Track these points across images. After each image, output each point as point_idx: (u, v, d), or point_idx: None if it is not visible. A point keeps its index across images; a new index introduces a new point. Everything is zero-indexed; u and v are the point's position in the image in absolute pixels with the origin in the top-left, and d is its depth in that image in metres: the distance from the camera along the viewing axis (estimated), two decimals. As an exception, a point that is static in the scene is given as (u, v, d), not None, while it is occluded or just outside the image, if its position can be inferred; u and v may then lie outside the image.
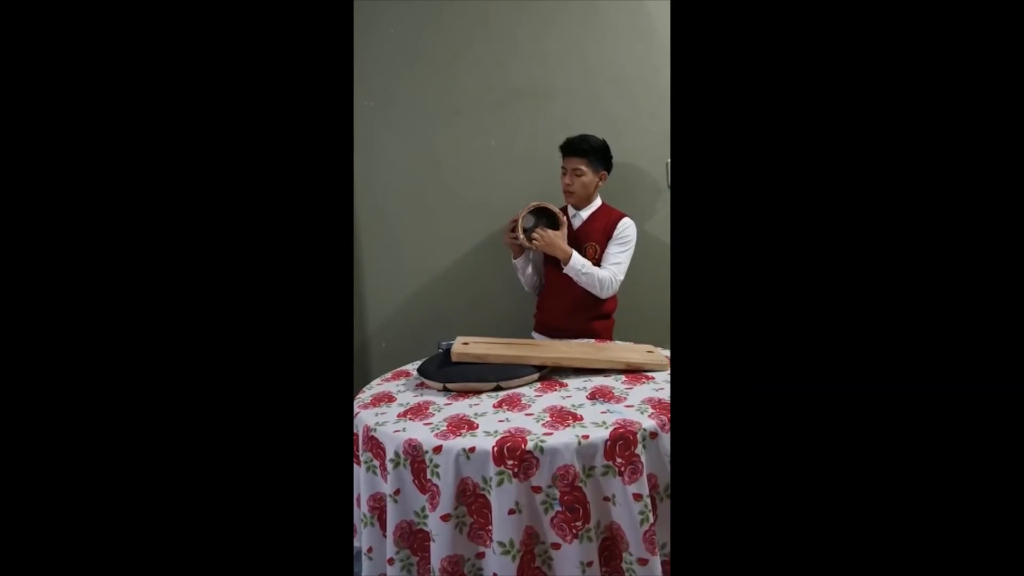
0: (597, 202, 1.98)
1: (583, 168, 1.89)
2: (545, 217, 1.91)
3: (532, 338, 1.99)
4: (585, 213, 1.96)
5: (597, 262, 1.91)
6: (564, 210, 1.98)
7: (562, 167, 1.94)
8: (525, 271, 2.02)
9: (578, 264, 1.84)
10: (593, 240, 1.92)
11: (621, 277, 1.91)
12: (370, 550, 1.22)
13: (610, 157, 1.95)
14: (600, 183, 1.95)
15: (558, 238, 1.85)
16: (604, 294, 1.89)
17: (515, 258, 2.01)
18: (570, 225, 1.95)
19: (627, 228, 1.92)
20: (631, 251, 1.93)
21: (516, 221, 1.89)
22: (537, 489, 1.06)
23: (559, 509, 1.06)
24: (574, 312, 1.91)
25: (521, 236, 1.87)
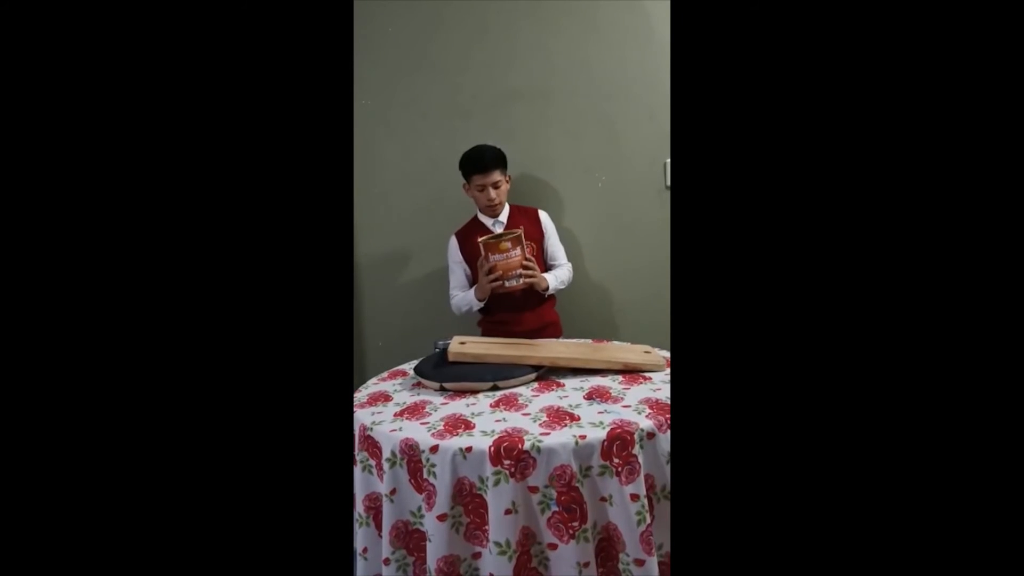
0: (506, 204, 1.99)
1: (499, 178, 1.90)
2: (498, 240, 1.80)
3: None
4: (503, 218, 1.97)
5: (537, 256, 1.94)
6: (477, 223, 1.98)
7: (478, 185, 1.89)
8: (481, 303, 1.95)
9: (555, 282, 1.92)
10: (527, 239, 1.92)
11: (570, 263, 2.02)
12: (365, 550, 1.22)
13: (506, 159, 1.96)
14: (508, 184, 1.97)
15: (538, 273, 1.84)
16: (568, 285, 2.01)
17: (482, 300, 1.90)
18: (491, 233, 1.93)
19: (548, 219, 2.02)
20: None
21: (494, 266, 1.73)
22: (534, 489, 1.06)
23: (556, 509, 1.06)
24: (535, 306, 1.93)
25: (513, 283, 1.76)
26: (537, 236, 1.98)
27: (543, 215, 2.01)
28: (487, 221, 1.97)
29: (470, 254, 1.93)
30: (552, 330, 1.96)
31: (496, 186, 1.89)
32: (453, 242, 1.99)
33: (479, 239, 1.76)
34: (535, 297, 1.91)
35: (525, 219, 1.98)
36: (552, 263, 1.99)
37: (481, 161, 1.88)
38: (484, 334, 1.96)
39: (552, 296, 1.98)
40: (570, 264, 2.01)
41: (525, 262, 1.76)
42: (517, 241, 1.74)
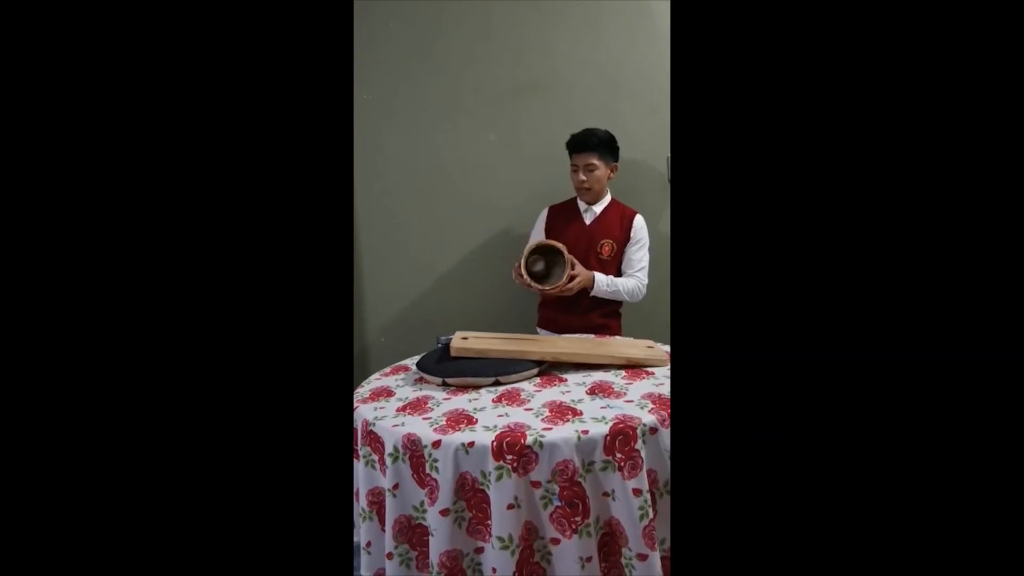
0: (608, 196, 1.98)
1: (595, 162, 1.88)
2: (550, 253, 1.80)
3: (537, 334, 1.99)
4: (598, 208, 1.95)
5: (614, 258, 1.92)
6: (574, 204, 1.98)
7: (572, 165, 1.91)
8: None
9: (603, 284, 1.86)
10: (609, 237, 1.92)
11: (646, 280, 1.93)
12: (369, 544, 1.22)
13: (617, 148, 1.94)
14: (611, 175, 1.94)
15: (582, 271, 1.81)
16: (634, 300, 1.92)
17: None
18: (583, 221, 1.95)
19: (642, 228, 1.94)
20: (647, 250, 1.94)
21: (523, 269, 1.76)
22: (536, 484, 1.06)
23: (558, 504, 1.06)
24: (586, 308, 1.91)
25: (541, 287, 1.76)
26: (621, 239, 1.92)
27: (638, 221, 1.94)
28: (580, 205, 1.96)
29: (551, 227, 1.96)
30: (601, 334, 1.86)
31: (590, 170, 1.88)
32: (544, 213, 2.01)
33: (529, 274, 1.75)
34: (584, 300, 1.89)
35: (618, 218, 1.94)
36: (626, 270, 1.93)
37: (576, 140, 1.88)
38: (538, 324, 2.01)
39: (605, 301, 1.92)
40: (643, 280, 1.92)
41: (565, 287, 1.77)
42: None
